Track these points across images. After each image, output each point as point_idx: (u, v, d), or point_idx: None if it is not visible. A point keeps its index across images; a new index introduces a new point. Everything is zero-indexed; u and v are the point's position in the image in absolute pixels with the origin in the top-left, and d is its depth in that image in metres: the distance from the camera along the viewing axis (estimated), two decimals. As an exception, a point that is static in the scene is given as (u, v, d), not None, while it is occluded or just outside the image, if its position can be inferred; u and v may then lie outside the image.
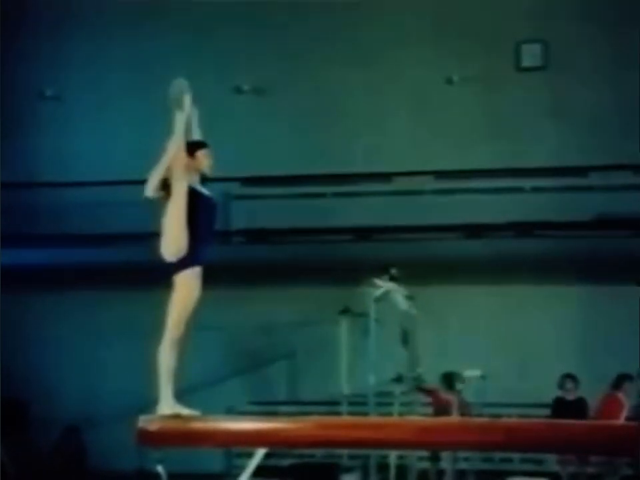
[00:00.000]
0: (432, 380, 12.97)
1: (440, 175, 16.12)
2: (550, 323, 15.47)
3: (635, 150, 15.42)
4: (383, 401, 13.06)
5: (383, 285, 12.98)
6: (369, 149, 16.17)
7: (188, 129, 7.37)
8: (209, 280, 7.26)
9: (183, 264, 7.17)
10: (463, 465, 13.35)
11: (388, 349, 12.91)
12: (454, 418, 11.08)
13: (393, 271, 12.99)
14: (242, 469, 7.53)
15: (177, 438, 7.19)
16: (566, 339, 15.35)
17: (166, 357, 7.17)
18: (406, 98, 16.36)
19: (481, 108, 16.20)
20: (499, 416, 11.77)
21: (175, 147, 7.23)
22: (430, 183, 16.12)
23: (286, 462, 13.89)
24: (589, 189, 15.59)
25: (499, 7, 16.32)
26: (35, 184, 16.66)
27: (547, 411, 13.13)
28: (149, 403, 7.39)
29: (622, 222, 15.05)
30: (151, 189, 7.25)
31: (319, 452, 14.23)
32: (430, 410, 12.88)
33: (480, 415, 12.25)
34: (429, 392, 12.96)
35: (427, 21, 16.45)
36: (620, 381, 12.85)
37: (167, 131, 7.29)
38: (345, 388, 14.68)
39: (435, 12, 16.42)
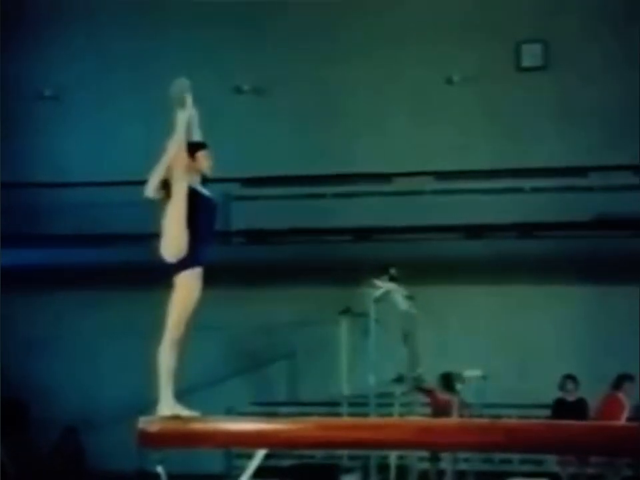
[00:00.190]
0: (432, 380, 12.97)
1: (440, 175, 16.12)
2: (550, 323, 15.46)
3: (635, 150, 15.42)
4: (383, 401, 13.06)
5: (383, 285, 12.98)
6: (369, 149, 16.16)
7: (189, 129, 7.36)
8: (209, 280, 7.25)
9: (183, 264, 7.16)
10: (463, 466, 13.34)
11: (388, 349, 12.91)
12: (454, 419, 11.06)
13: (393, 271, 12.99)
14: (242, 469, 7.52)
15: (177, 439, 7.19)
16: (566, 339, 15.35)
17: (166, 358, 7.16)
18: (406, 98, 16.36)
19: (481, 108, 16.19)
20: (499, 416, 11.76)
21: (175, 147, 7.22)
22: (430, 183, 16.12)
23: (286, 463, 13.89)
24: (589, 189, 15.59)
25: (498, 6, 16.32)
26: (34, 184, 16.65)
27: (547, 412, 13.12)
28: (148, 404, 7.38)
29: (622, 222, 15.04)
30: (151, 189, 7.24)
31: (318, 453, 14.23)
32: (430, 410, 12.88)
33: (480, 416, 12.24)
34: (427, 392, 12.95)
35: (427, 20, 16.44)
36: (620, 381, 12.84)
37: (167, 131, 7.28)
38: (345, 388, 14.67)
39: (435, 12, 16.41)
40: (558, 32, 16.13)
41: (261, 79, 16.87)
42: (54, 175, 16.60)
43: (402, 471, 13.04)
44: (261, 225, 15.81)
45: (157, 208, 7.26)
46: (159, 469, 7.24)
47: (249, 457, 7.39)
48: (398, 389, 12.93)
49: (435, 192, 15.88)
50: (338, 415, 14.35)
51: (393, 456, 12.83)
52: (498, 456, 14.09)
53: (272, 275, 15.67)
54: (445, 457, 12.70)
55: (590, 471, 12.78)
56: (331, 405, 14.96)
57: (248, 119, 16.59)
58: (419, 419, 10.36)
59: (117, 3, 17.07)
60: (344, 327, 14.69)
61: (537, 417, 12.05)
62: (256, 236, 15.90)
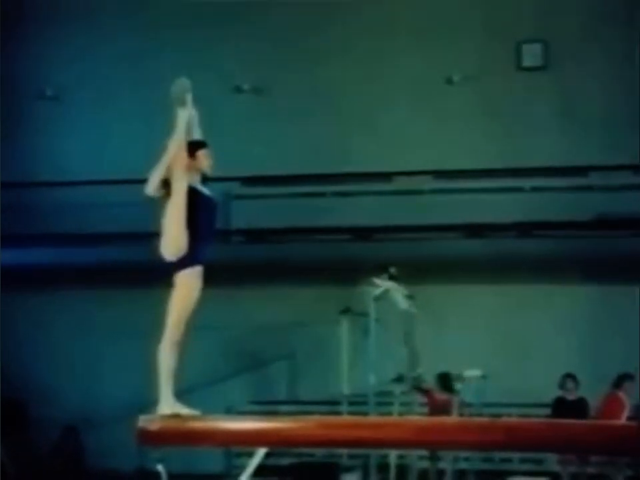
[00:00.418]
0: (432, 380, 12.97)
1: (439, 174, 16.13)
2: (550, 322, 15.46)
3: (635, 150, 15.43)
4: (383, 400, 13.06)
5: (383, 284, 12.98)
6: (369, 148, 16.16)
7: (189, 129, 7.36)
8: (209, 280, 7.25)
9: (182, 263, 7.16)
10: (463, 465, 13.36)
11: (388, 348, 12.91)
12: (453, 418, 11.06)
13: (393, 270, 12.99)
14: (242, 468, 7.52)
15: (176, 437, 7.18)
16: (566, 339, 15.34)
17: (166, 357, 7.15)
18: (406, 98, 16.36)
19: (481, 108, 16.20)
20: (499, 416, 11.76)
21: (176, 145, 7.22)
22: (429, 183, 16.12)
23: (286, 461, 13.89)
24: (589, 188, 15.59)
25: (499, 6, 16.32)
26: (34, 184, 16.65)
27: (547, 411, 13.12)
28: (148, 403, 7.38)
29: (622, 222, 15.05)
30: (151, 187, 7.24)
31: (318, 451, 14.23)
32: (428, 410, 12.88)
33: (480, 415, 12.24)
34: (424, 392, 12.95)
35: (427, 20, 16.45)
36: (621, 381, 12.84)
37: (167, 131, 7.29)
38: (345, 388, 14.68)
39: (435, 11, 16.42)
40: (558, 32, 16.13)
41: (261, 79, 16.88)
42: (54, 175, 16.60)
43: (402, 469, 13.04)
44: (261, 224, 15.81)
45: (156, 207, 7.26)
46: (159, 468, 7.23)
47: (249, 455, 7.39)
48: (398, 388, 12.93)
49: (435, 191, 15.89)
50: (338, 413, 14.38)
51: (392, 455, 12.83)
52: (498, 455, 14.11)
53: (272, 274, 15.68)
54: (445, 455, 12.71)
55: (590, 470, 12.79)
56: (330, 404, 14.97)
57: (248, 119, 16.59)
58: (419, 418, 10.34)
59: (117, 2, 17.07)
60: (344, 327, 14.70)
61: (537, 416, 12.05)
62: (256, 235, 15.90)
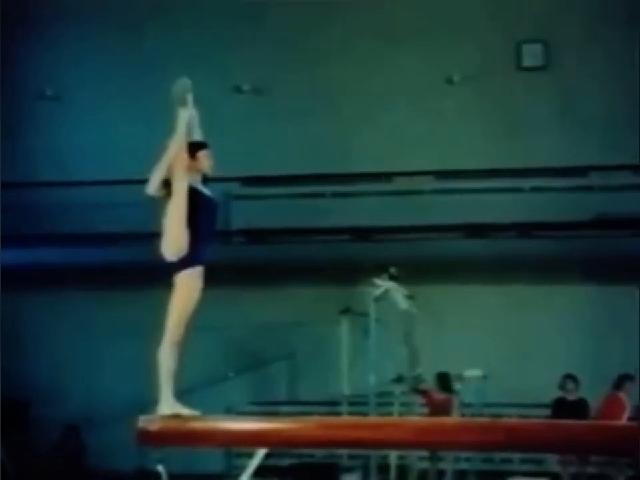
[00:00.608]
0: (432, 380, 12.97)
1: (440, 174, 16.13)
2: (550, 322, 15.46)
3: (635, 150, 15.43)
4: (383, 401, 13.06)
5: (383, 284, 12.98)
6: (369, 148, 16.16)
7: (189, 129, 7.37)
8: (209, 280, 7.25)
9: (183, 264, 7.16)
10: (463, 465, 13.36)
11: (388, 348, 12.91)
12: (454, 418, 11.06)
13: (393, 270, 12.99)
14: (242, 469, 7.52)
15: (177, 438, 7.18)
16: (566, 339, 15.34)
17: (166, 357, 7.15)
18: (406, 98, 16.36)
19: (481, 108, 16.20)
20: (499, 416, 11.76)
21: (176, 145, 7.23)
22: (430, 183, 16.13)
23: (286, 462, 13.89)
24: (589, 188, 15.60)
25: (499, 6, 16.32)
26: (34, 184, 16.66)
27: (548, 411, 13.12)
28: (149, 403, 7.38)
29: (622, 222, 15.05)
30: (152, 187, 7.24)
31: (318, 452, 14.23)
32: (427, 411, 12.88)
33: (480, 415, 12.24)
34: (422, 393, 12.95)
35: (427, 20, 16.45)
36: (621, 381, 12.84)
37: (168, 131, 7.29)
38: (345, 388, 14.69)
39: (435, 11, 16.42)
40: (558, 32, 16.14)
41: (261, 79, 16.88)
42: (55, 175, 16.60)
43: (402, 470, 13.04)
44: (261, 224, 15.81)
45: (157, 207, 7.26)
46: (159, 468, 7.24)
47: (249, 456, 7.40)
48: (398, 389, 12.93)
49: (435, 191, 15.90)
50: (338, 414, 14.38)
51: (393, 455, 12.83)
52: (498, 455, 14.10)
53: (272, 275, 15.68)
54: (446, 456, 12.70)
55: (590, 470, 12.79)
56: (331, 405, 14.97)
57: (248, 119, 16.60)
58: (419, 418, 10.34)
59: (118, 3, 17.07)
60: (344, 327, 14.70)
61: (537, 417, 12.04)
62: (256, 235, 15.90)
